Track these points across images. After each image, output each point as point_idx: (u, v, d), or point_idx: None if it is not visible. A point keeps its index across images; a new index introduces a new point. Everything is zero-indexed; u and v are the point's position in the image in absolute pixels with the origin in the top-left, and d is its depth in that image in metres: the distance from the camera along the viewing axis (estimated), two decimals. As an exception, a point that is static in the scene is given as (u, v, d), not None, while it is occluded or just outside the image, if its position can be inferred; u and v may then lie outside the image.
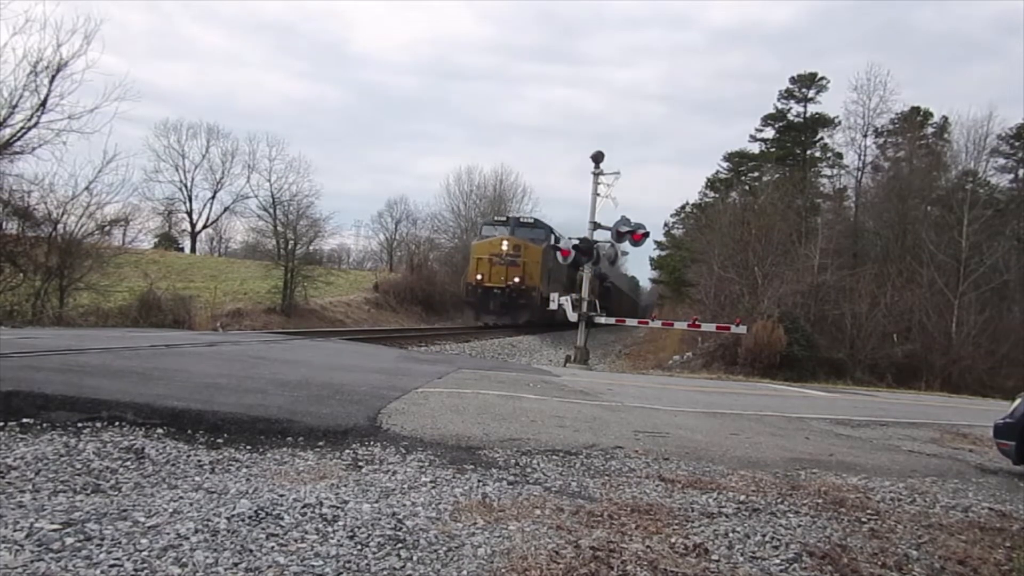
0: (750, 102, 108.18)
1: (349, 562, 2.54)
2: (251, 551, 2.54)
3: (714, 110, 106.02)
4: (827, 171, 44.88)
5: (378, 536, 2.81)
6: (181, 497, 3.10)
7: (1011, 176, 40.89)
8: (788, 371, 21.11)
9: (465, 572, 2.57)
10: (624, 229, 17.37)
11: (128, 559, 2.37)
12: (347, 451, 4.24)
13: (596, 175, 17.54)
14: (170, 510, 2.89)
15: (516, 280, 29.87)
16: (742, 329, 19.20)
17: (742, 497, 3.96)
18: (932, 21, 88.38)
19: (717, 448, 5.46)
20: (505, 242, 30.70)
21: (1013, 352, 26.93)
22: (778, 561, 3.00)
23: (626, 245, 18.40)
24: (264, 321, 23.36)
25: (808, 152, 46.11)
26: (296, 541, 2.68)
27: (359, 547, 2.69)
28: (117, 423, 4.26)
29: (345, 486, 3.46)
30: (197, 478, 3.47)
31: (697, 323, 21.64)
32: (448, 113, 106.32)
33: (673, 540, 3.10)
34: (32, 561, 2.30)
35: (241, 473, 3.62)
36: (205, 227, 56.71)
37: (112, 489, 3.19)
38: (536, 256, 31.10)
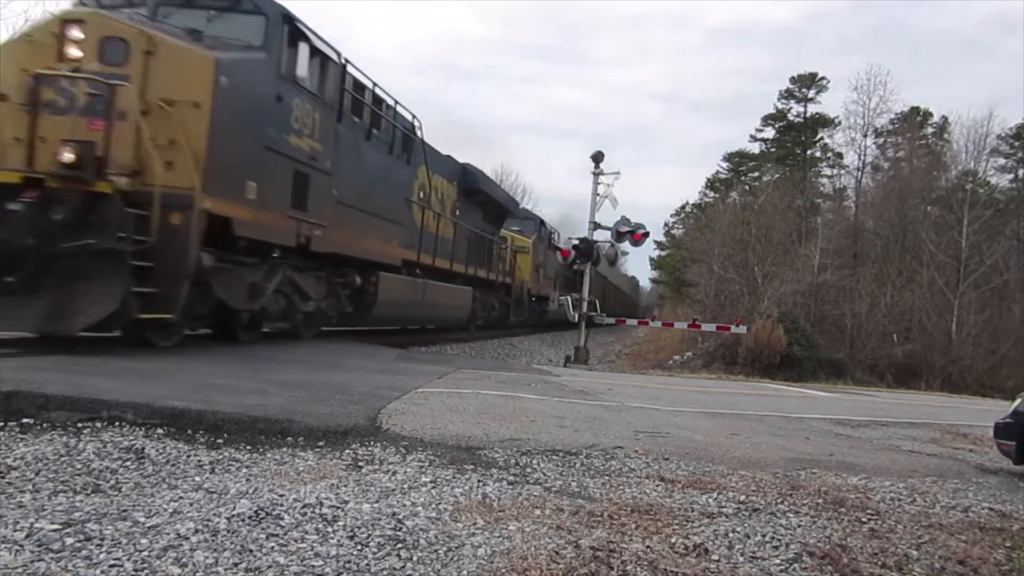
0: (750, 102, 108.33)
1: (349, 562, 2.54)
2: (251, 551, 2.54)
3: (714, 110, 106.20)
4: (827, 171, 45.05)
5: (378, 536, 2.80)
6: (181, 497, 3.10)
7: (1011, 176, 41.01)
8: (788, 371, 21.13)
9: (465, 572, 2.57)
10: (624, 229, 17.40)
11: (128, 559, 2.37)
12: (347, 451, 4.24)
13: (596, 175, 17.57)
14: (170, 510, 2.89)
15: (75, 156, 6.43)
16: (742, 329, 19.24)
17: (742, 497, 3.96)
18: (932, 21, 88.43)
19: (717, 448, 5.46)
20: (76, 32, 6.91)
21: (1013, 352, 26.98)
22: (778, 561, 3.00)
23: (626, 245, 18.45)
24: (264, 321, 23.29)
25: (808, 152, 46.19)
26: (296, 541, 2.68)
27: (359, 547, 2.69)
28: (117, 423, 4.26)
29: (345, 486, 3.46)
30: (197, 478, 3.47)
31: (697, 323, 21.67)
32: (448, 113, 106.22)
33: (673, 540, 3.10)
34: (32, 561, 2.30)
35: (241, 473, 3.62)
36: (205, 227, 56.62)
37: (112, 489, 3.18)
38: (199, 70, 7.16)
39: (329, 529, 2.83)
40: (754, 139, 49.27)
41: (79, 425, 4.15)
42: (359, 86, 11.03)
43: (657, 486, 4.09)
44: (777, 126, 47.65)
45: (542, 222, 27.78)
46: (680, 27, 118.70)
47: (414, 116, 13.05)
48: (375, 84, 11.50)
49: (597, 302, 21.04)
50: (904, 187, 33.61)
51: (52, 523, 2.62)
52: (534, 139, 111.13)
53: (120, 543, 2.49)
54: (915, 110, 41.52)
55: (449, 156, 15.83)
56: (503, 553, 2.75)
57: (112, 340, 7.50)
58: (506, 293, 21.93)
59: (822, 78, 45.86)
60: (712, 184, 52.06)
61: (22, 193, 6.51)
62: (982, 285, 28.36)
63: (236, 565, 2.41)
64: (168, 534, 2.60)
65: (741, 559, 2.99)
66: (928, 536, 3.56)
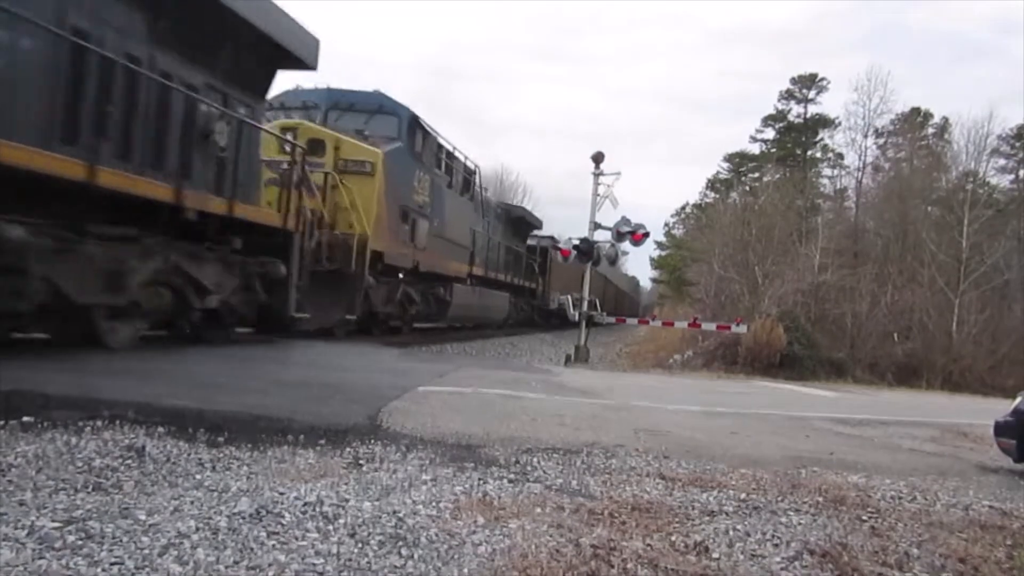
0: (750, 102, 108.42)
1: (350, 560, 2.54)
2: (252, 549, 2.54)
3: (714, 110, 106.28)
4: (827, 171, 44.97)
5: (379, 534, 2.81)
6: (182, 495, 3.10)
7: (1011, 176, 40.93)
8: (788, 370, 21.10)
9: (466, 570, 2.57)
10: (624, 229, 17.43)
11: (129, 557, 2.37)
12: (347, 449, 4.25)
13: (596, 175, 17.59)
14: (171, 508, 2.89)
15: None
16: (742, 328, 19.25)
17: (742, 495, 3.96)
18: (932, 21, 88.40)
19: (717, 446, 5.46)
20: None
21: (1014, 351, 26.96)
22: (779, 559, 3.00)
23: (626, 245, 18.48)
24: (264, 321, 23.26)
25: (808, 153, 46.17)
26: (297, 539, 2.68)
27: (360, 545, 2.69)
28: (118, 422, 4.26)
29: (346, 484, 3.46)
30: (198, 476, 3.47)
31: (697, 322, 21.67)
32: (448, 113, 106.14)
33: (673, 538, 3.10)
34: (34, 559, 2.30)
35: (242, 471, 3.62)
36: (205, 227, 56.52)
37: (113, 487, 3.18)
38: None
39: (330, 527, 2.83)
40: (754, 140, 49.28)
41: (80, 424, 4.14)
42: None
43: (657, 484, 4.09)
44: (777, 127, 47.61)
45: (417, 122, 13.87)
46: (680, 27, 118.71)
47: None
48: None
49: (597, 301, 21.01)
50: (905, 187, 33.57)
51: (53, 521, 2.62)
52: (535, 139, 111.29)
53: (121, 541, 2.49)
54: (915, 111, 41.51)
55: None
56: (504, 551, 2.75)
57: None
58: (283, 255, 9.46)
59: (822, 79, 45.88)
60: (712, 184, 52.04)
61: None
62: (983, 284, 28.33)
63: (237, 563, 2.41)
64: (169, 532, 2.60)
65: (741, 557, 2.99)
66: (929, 534, 3.55)
